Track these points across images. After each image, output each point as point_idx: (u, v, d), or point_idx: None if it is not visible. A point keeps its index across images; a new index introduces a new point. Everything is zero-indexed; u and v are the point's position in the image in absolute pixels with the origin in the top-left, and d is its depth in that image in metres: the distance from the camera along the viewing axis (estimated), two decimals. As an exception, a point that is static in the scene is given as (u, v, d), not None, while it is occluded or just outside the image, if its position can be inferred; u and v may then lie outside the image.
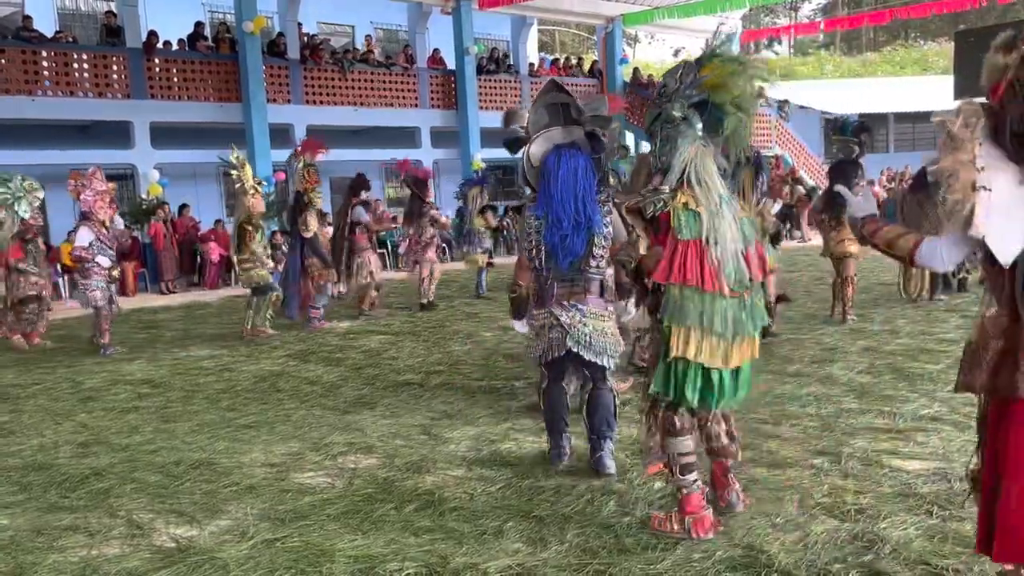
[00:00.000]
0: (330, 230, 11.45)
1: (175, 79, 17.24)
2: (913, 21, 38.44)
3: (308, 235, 9.24)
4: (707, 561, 3.13)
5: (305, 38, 19.68)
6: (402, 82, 20.49)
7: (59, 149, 15.87)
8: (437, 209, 11.46)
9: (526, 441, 4.84)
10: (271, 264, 9.44)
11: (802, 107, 29.03)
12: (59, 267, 13.99)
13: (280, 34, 19.05)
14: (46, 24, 16.86)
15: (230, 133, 16.97)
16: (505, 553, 3.30)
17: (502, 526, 3.57)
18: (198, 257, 16.32)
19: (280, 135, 17.67)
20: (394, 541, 3.48)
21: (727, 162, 3.44)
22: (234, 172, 9.01)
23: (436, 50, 22.09)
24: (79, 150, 16.11)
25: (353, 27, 22.87)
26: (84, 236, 8.59)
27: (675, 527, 3.37)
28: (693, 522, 3.34)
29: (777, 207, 7.65)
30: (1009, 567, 2.52)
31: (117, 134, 16.53)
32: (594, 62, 25.76)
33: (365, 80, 19.79)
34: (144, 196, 16.22)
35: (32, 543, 3.65)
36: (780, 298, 7.80)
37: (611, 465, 4.19)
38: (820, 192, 10.21)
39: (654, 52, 49.72)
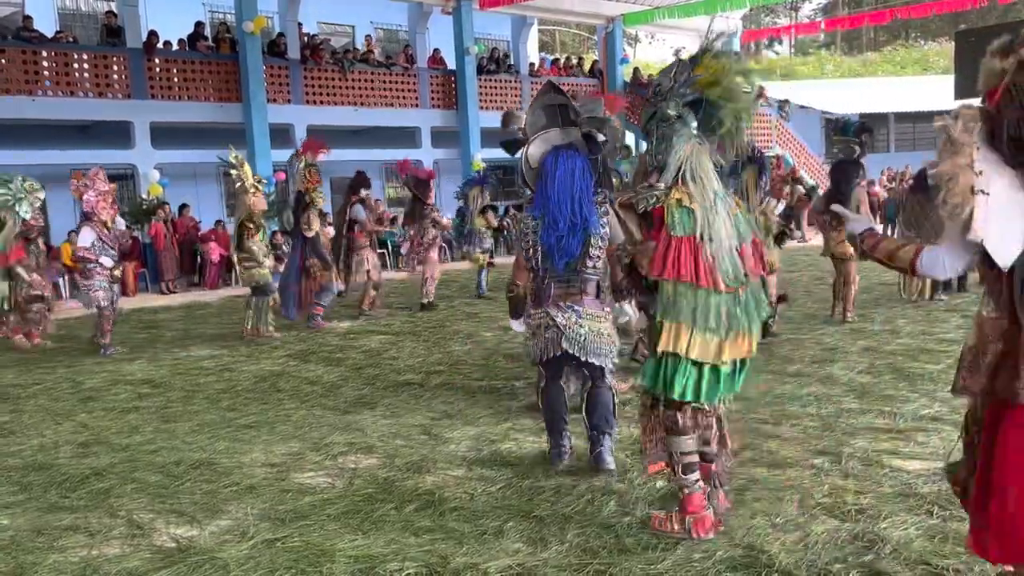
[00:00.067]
0: (331, 230, 11.46)
1: (175, 79, 17.24)
2: (914, 21, 38.44)
3: (310, 234, 9.26)
4: (707, 561, 3.13)
5: (305, 38, 19.68)
6: (402, 82, 20.49)
7: (59, 149, 15.87)
8: (438, 211, 11.47)
9: (526, 441, 4.84)
10: (272, 263, 9.45)
11: (802, 107, 29.04)
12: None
13: (280, 34, 19.05)
14: (46, 24, 16.87)
15: (230, 133, 16.98)
16: (505, 553, 3.30)
17: (502, 526, 3.57)
18: (198, 257, 16.33)
19: (280, 135, 17.67)
20: (394, 541, 3.48)
21: (723, 160, 3.45)
22: (233, 172, 9.02)
23: (436, 50, 22.09)
24: (79, 150, 16.12)
25: (353, 27, 22.87)
26: (86, 237, 8.59)
27: (676, 527, 3.37)
28: (694, 522, 3.34)
29: (780, 207, 7.66)
30: (1009, 568, 2.52)
31: (117, 134, 16.53)
32: (594, 62, 25.76)
33: (365, 80, 19.79)
34: (144, 196, 16.23)
35: (32, 543, 3.65)
36: (781, 298, 7.80)
37: (610, 460, 4.21)
38: (820, 192, 10.22)
39: (655, 52, 49.65)
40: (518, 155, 4.31)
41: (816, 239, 16.48)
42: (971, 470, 2.49)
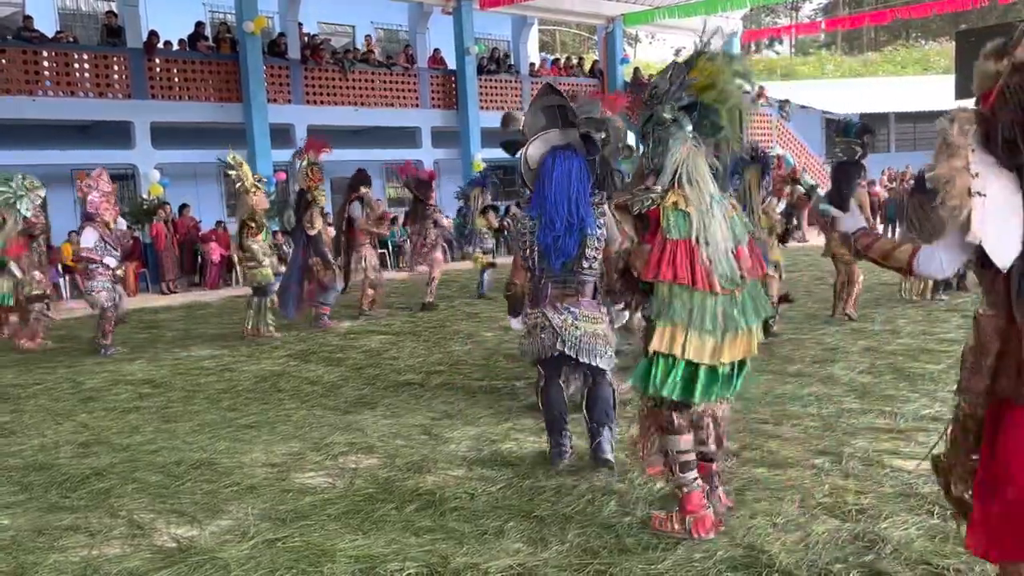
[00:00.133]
0: (332, 230, 11.47)
1: (176, 79, 17.25)
2: (914, 21, 38.43)
3: (313, 233, 9.27)
4: (708, 561, 3.13)
5: (306, 38, 19.69)
6: (403, 82, 20.49)
7: (60, 149, 15.89)
8: (440, 211, 11.48)
9: (527, 441, 4.84)
10: (275, 262, 9.45)
11: (803, 107, 29.04)
12: (60, 267, 13.98)
13: (281, 34, 19.06)
14: (47, 24, 16.88)
15: (231, 133, 16.99)
16: (506, 553, 3.30)
17: (503, 526, 3.57)
18: (199, 257, 16.32)
19: (281, 135, 17.68)
20: (395, 541, 3.48)
21: (719, 162, 3.46)
22: (232, 172, 9.02)
23: (437, 50, 22.09)
24: (80, 150, 16.14)
25: (354, 27, 22.87)
26: (89, 237, 8.58)
27: (676, 527, 3.37)
28: (694, 522, 3.34)
29: (781, 206, 7.68)
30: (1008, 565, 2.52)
31: (118, 134, 16.54)
32: (595, 62, 25.77)
33: (366, 80, 19.80)
34: (145, 196, 16.22)
35: (33, 543, 3.65)
36: (783, 298, 7.80)
37: (609, 450, 4.24)
38: (820, 191, 10.22)
39: (655, 52, 49.68)
40: (518, 155, 4.33)
41: (816, 239, 16.49)
42: (966, 467, 2.49)
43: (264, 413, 5.86)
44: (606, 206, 4.19)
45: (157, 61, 16.95)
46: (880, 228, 15.26)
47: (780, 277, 7.73)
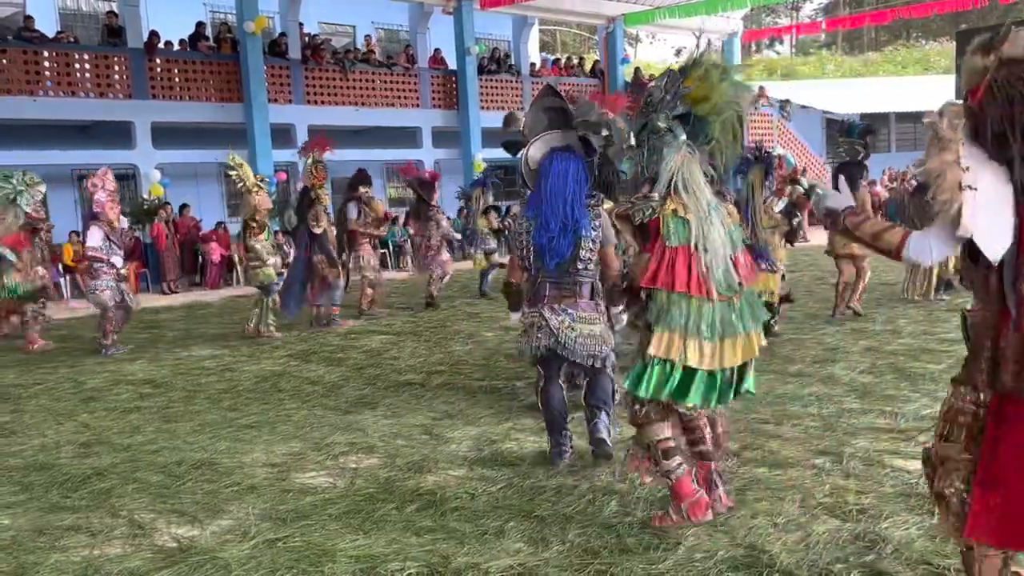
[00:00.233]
0: (335, 228, 11.48)
1: (176, 79, 17.26)
2: (915, 21, 38.42)
3: (318, 231, 9.29)
4: (709, 561, 3.13)
5: (306, 38, 19.69)
6: (403, 82, 20.50)
7: (60, 149, 15.90)
8: (442, 211, 11.50)
9: (527, 441, 4.84)
10: (278, 262, 9.46)
11: (804, 107, 29.03)
12: (60, 267, 13.99)
13: (281, 34, 19.06)
14: (47, 24, 16.88)
15: (231, 133, 17.01)
16: (506, 553, 3.30)
17: (503, 526, 3.57)
18: (199, 257, 16.33)
19: (281, 135, 17.68)
20: (395, 541, 3.48)
21: (714, 170, 3.49)
22: (233, 173, 9.04)
23: (437, 50, 22.09)
24: (80, 150, 16.16)
25: (354, 27, 22.88)
26: (95, 236, 8.60)
27: (674, 517, 3.42)
28: (689, 507, 3.38)
29: (781, 204, 7.70)
30: (994, 559, 2.54)
31: (118, 134, 16.54)
32: (595, 62, 25.76)
33: (366, 80, 19.80)
34: (146, 196, 16.23)
35: (34, 543, 3.65)
36: (783, 298, 7.81)
37: (604, 431, 4.32)
38: (819, 191, 10.22)
39: (655, 52, 49.74)
40: (519, 156, 4.35)
41: (815, 239, 16.49)
42: (956, 464, 2.51)
43: (265, 413, 5.86)
44: (602, 208, 4.22)
45: (158, 61, 16.96)
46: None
47: (783, 277, 7.74)
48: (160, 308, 12.74)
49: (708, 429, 3.61)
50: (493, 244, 12.00)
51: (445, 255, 11.12)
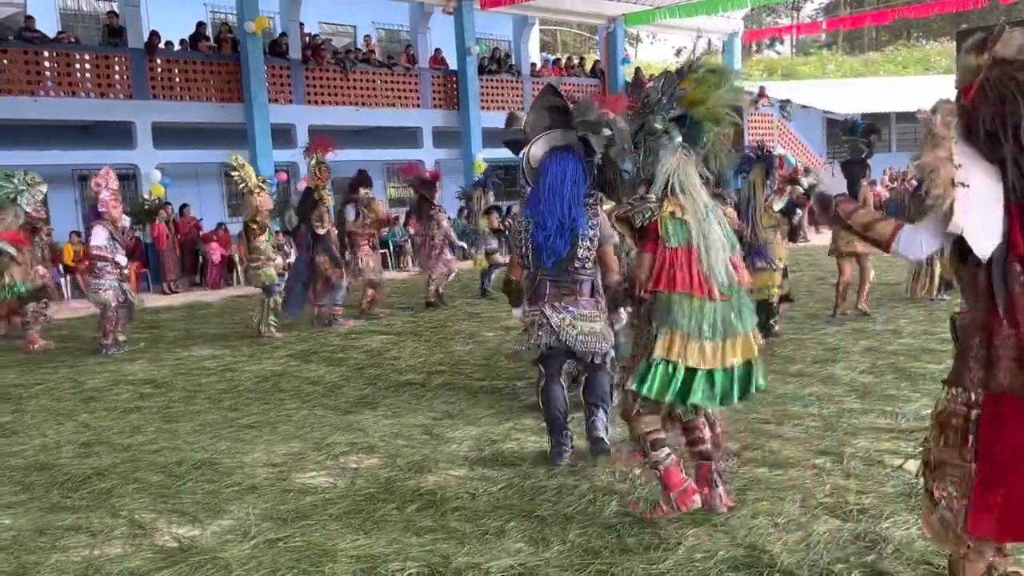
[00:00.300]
0: (335, 229, 11.48)
1: (177, 79, 17.25)
2: (915, 21, 38.41)
3: (322, 231, 9.30)
4: (709, 561, 3.13)
5: (307, 38, 19.68)
6: (404, 82, 20.49)
7: (61, 149, 15.90)
8: (443, 212, 11.51)
9: (528, 441, 4.85)
10: (280, 262, 9.46)
11: (804, 107, 29.04)
12: (60, 267, 13.99)
13: (282, 34, 19.06)
14: (48, 24, 16.88)
15: (232, 133, 17.02)
16: (507, 553, 3.30)
17: (504, 526, 3.57)
18: (200, 257, 16.33)
19: (282, 135, 17.68)
20: (396, 541, 3.48)
21: (709, 172, 3.52)
22: (235, 174, 9.05)
23: (438, 50, 22.09)
24: (81, 150, 16.15)
25: (355, 27, 22.88)
26: (100, 235, 8.61)
27: (664, 508, 3.43)
28: (678, 496, 3.39)
29: (782, 203, 7.71)
30: (978, 565, 2.56)
31: (119, 134, 16.54)
32: (596, 62, 25.76)
33: (367, 80, 19.80)
34: (146, 196, 16.23)
35: (34, 543, 3.65)
36: (784, 298, 7.81)
37: (601, 429, 4.35)
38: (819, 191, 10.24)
39: (656, 52, 49.72)
40: (520, 155, 4.37)
41: (815, 239, 16.49)
42: (953, 468, 2.51)
43: (265, 413, 5.86)
44: (600, 207, 4.24)
45: (158, 61, 16.96)
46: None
47: (786, 274, 7.76)
48: (160, 308, 12.73)
49: (707, 429, 3.62)
50: (494, 244, 12.00)
51: (448, 254, 11.15)
